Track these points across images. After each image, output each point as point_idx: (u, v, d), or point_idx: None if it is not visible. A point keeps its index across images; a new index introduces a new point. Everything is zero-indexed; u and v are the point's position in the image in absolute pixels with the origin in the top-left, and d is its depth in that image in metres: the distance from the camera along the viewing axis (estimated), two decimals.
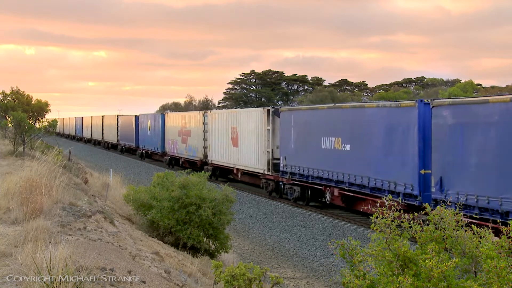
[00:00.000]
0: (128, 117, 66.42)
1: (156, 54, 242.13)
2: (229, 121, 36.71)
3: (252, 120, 33.29)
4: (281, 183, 30.27)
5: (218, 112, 41.20)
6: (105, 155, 67.49)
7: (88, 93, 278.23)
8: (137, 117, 61.46)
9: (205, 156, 41.29)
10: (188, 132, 45.23)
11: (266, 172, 31.40)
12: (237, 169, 36.04)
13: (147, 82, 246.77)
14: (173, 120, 50.28)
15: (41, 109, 42.15)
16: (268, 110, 31.51)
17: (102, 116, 78.89)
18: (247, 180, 36.10)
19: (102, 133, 78.80)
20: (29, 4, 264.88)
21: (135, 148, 62.34)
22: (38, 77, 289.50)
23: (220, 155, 38.21)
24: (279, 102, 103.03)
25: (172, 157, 49.57)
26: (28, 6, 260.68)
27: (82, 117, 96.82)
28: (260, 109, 33.41)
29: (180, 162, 47.25)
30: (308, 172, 26.72)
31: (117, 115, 70.71)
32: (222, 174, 39.51)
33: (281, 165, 29.34)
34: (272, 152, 30.95)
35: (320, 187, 26.86)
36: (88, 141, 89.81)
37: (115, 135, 70.78)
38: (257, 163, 32.44)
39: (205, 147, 41.41)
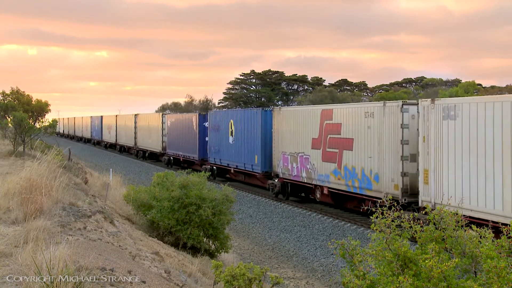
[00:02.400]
0: (185, 116, 48.99)
1: (157, 54, 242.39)
2: None
3: None
4: None
5: (467, 101, 18.31)
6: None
7: (89, 93, 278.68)
8: (201, 116, 43.89)
9: (407, 190, 21.40)
10: (344, 142, 25.12)
11: None
12: None
13: (148, 82, 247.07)
14: (297, 119, 29.74)
15: (41, 109, 42.11)
16: None
17: (135, 114, 62.02)
18: None
19: (135, 138, 60.86)
20: (30, 4, 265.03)
21: (198, 161, 43.43)
22: (38, 77, 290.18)
23: (477, 192, 17.52)
24: (279, 102, 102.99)
25: (288, 183, 30.52)
26: (29, 6, 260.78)
27: (102, 116, 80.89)
28: None
29: (318, 195, 28.08)
30: None
31: (162, 114, 54.54)
32: None
33: None
34: None
35: None
36: (111, 146, 74.26)
37: (158, 141, 53.09)
38: None
39: (404, 174, 21.40)
